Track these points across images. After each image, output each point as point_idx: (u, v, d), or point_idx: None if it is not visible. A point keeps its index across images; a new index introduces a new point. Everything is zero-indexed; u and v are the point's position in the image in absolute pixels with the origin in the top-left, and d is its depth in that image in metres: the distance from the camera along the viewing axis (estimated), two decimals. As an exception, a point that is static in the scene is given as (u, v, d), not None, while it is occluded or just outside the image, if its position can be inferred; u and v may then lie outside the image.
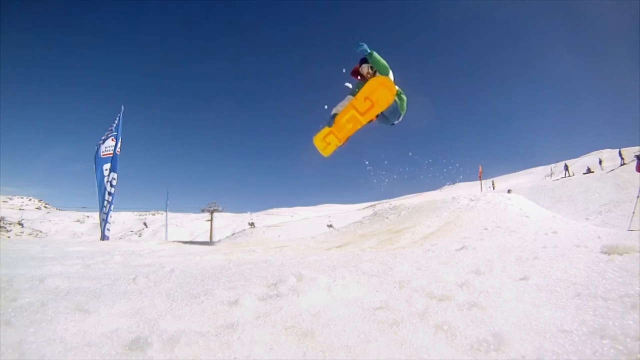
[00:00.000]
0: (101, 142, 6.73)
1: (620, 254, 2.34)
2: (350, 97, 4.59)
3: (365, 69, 4.47)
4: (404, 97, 4.42)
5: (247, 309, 1.39)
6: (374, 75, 4.41)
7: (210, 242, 7.81)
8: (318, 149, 4.97)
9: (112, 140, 6.68)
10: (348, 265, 2.41)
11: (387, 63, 4.27)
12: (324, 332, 1.16)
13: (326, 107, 4.80)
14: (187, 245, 5.10)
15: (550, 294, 1.56)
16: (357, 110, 4.40)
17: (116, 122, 6.76)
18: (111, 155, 6.61)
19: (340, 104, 4.64)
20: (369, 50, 4.13)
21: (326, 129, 4.79)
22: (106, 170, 6.58)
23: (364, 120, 4.49)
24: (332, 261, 2.73)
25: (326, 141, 4.84)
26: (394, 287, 1.76)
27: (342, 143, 4.85)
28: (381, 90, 4.18)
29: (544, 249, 3.09)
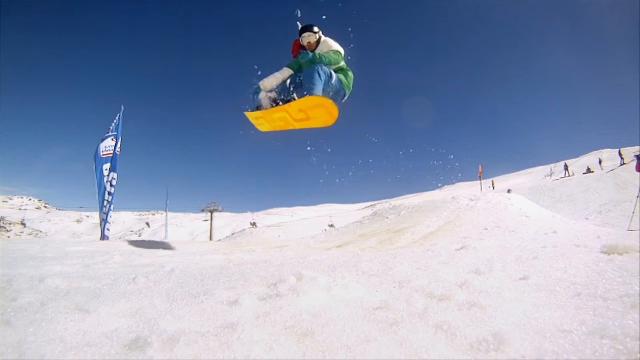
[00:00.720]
0: (101, 141, 6.74)
1: (620, 254, 2.34)
2: (286, 69, 3.95)
3: (306, 39, 3.84)
4: (351, 74, 3.91)
5: (247, 309, 1.39)
6: (317, 46, 3.85)
7: (210, 242, 7.80)
8: (253, 124, 4.27)
9: (112, 140, 6.68)
10: (348, 265, 2.41)
11: (337, 44, 3.78)
12: (324, 332, 1.16)
13: (259, 73, 4.00)
14: (187, 245, 5.10)
15: (550, 294, 1.56)
16: (290, 115, 3.80)
17: (116, 121, 6.76)
18: (111, 155, 6.61)
19: (273, 76, 3.91)
20: (310, 56, 3.62)
21: (254, 113, 4.01)
22: (106, 170, 6.58)
23: (297, 126, 3.92)
24: (332, 261, 2.73)
25: (258, 122, 4.17)
26: (394, 287, 1.76)
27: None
28: (319, 111, 3.63)
29: (544, 249, 3.09)
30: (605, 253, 2.46)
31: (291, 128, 3.99)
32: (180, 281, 1.95)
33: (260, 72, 3.95)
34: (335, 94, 3.82)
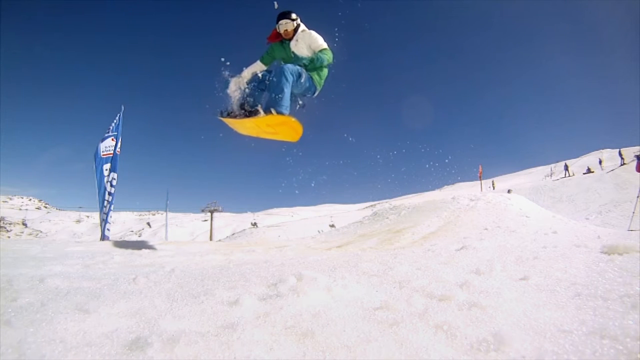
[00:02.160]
0: (101, 141, 6.74)
1: (620, 254, 2.33)
2: (258, 63, 3.95)
3: (283, 26, 3.71)
4: (326, 71, 3.84)
5: (247, 309, 1.39)
6: (294, 33, 3.75)
7: (210, 242, 7.79)
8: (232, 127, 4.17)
9: (112, 140, 6.68)
10: (348, 265, 2.41)
11: (323, 41, 3.70)
12: (324, 332, 1.16)
13: (228, 63, 3.85)
14: (187, 245, 5.10)
15: (550, 294, 1.56)
16: (258, 126, 3.79)
17: (116, 121, 6.76)
18: (111, 155, 6.61)
19: (246, 70, 3.91)
20: (307, 59, 3.62)
21: (227, 120, 3.92)
22: (106, 170, 6.57)
23: (268, 136, 3.97)
24: (332, 261, 2.73)
25: (233, 126, 4.05)
26: (394, 287, 1.76)
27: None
28: (284, 128, 3.72)
29: (544, 249, 3.09)
30: (605, 253, 2.45)
31: (263, 137, 4.03)
32: (180, 281, 1.95)
33: (229, 63, 3.87)
34: (302, 93, 3.86)
